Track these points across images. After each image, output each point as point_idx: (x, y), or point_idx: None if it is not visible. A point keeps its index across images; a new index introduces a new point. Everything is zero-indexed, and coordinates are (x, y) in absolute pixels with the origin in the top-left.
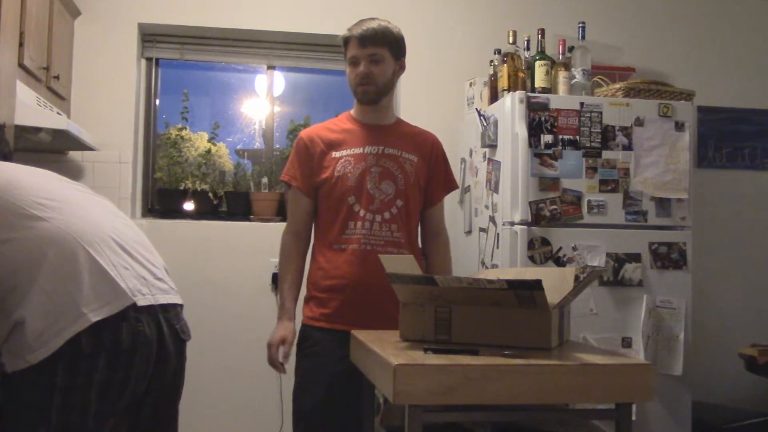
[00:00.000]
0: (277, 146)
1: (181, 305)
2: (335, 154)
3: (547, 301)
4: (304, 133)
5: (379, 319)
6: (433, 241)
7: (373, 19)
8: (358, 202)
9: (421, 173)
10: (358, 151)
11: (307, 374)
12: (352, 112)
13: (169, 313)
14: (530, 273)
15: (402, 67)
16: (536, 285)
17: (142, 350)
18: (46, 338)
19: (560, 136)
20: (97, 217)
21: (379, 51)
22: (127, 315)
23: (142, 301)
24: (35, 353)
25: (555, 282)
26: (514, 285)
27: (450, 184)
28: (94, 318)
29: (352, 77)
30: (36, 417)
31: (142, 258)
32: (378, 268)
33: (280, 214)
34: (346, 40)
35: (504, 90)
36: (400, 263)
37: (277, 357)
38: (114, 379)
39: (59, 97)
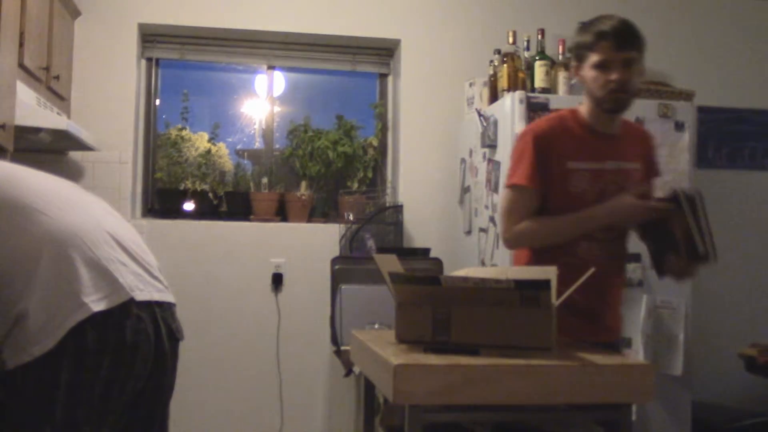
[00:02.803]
0: (277, 146)
1: (175, 304)
2: (571, 164)
3: (550, 302)
4: (539, 130)
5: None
6: None
7: (613, 15)
8: None
9: (643, 177)
10: (596, 166)
11: None
12: (584, 114)
13: (165, 312)
14: (512, 272)
15: (642, 71)
16: (545, 285)
17: (144, 348)
18: (50, 330)
19: None
20: (94, 214)
21: (634, 54)
22: (129, 312)
23: (139, 296)
24: (39, 345)
25: None
26: (521, 285)
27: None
28: (95, 308)
29: (600, 82)
30: (40, 414)
31: (138, 256)
32: (603, 284)
33: (280, 214)
34: (596, 40)
35: (504, 90)
36: (386, 262)
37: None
38: (117, 376)
39: (59, 97)
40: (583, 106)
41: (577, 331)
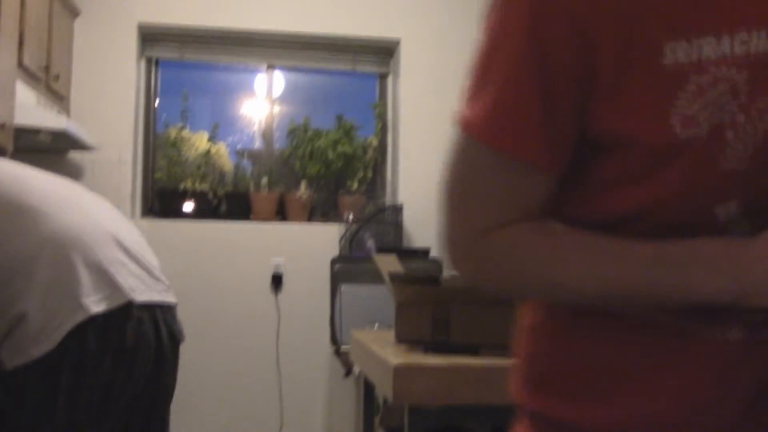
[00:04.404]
0: (277, 146)
1: (176, 305)
2: (681, 54)
3: None
4: None
5: None
6: None
7: None
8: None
9: None
10: (744, 48)
11: None
12: None
13: (166, 313)
14: None
15: None
16: None
17: (144, 350)
18: (49, 331)
19: None
20: (96, 215)
21: None
22: (129, 314)
23: (140, 298)
24: (39, 346)
25: None
26: None
27: None
28: (94, 309)
29: None
30: (40, 416)
31: (139, 257)
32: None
33: (280, 214)
34: None
35: None
36: (386, 262)
37: None
38: (117, 378)
39: (59, 97)
40: None
41: None
